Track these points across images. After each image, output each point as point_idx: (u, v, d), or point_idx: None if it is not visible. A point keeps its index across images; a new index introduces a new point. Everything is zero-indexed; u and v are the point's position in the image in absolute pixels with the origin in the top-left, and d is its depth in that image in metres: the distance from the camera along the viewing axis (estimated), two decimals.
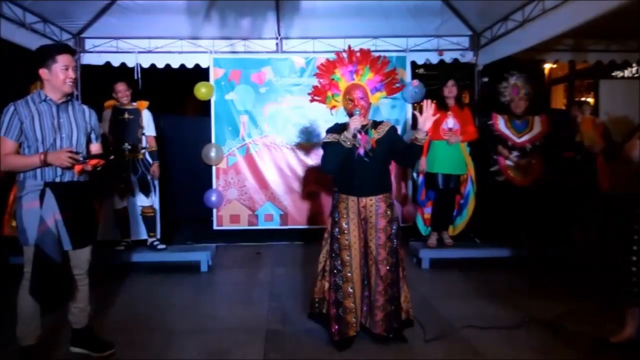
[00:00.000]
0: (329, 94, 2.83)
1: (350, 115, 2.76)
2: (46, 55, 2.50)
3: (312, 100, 2.93)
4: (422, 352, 2.81)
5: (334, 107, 2.86)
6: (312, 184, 5.59)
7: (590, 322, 3.14)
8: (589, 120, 4.85)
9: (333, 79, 2.81)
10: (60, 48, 2.57)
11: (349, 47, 2.86)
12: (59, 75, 2.49)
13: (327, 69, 2.83)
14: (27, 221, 2.47)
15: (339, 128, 2.83)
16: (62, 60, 2.49)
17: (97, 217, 2.84)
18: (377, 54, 2.84)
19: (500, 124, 4.63)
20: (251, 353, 2.80)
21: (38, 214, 2.45)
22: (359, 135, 2.70)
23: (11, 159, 2.46)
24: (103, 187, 4.42)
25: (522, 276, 4.19)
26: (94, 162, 2.50)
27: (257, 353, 2.79)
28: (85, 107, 2.73)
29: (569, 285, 3.93)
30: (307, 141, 5.58)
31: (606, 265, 3.79)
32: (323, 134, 3.07)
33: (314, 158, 5.59)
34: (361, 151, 2.73)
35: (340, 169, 2.78)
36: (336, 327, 2.79)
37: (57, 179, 2.50)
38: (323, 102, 2.88)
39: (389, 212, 2.82)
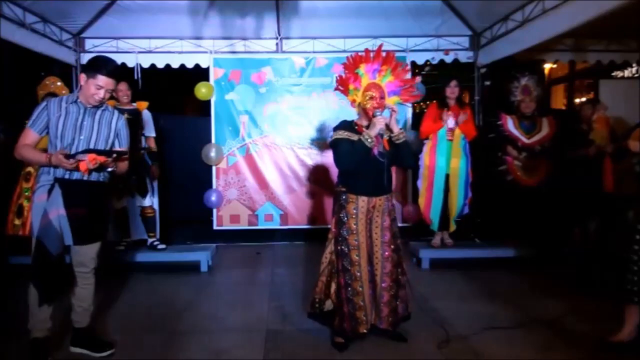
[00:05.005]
0: (351, 87, 2.83)
1: (365, 112, 2.78)
2: (92, 66, 2.59)
3: (336, 89, 2.97)
4: (421, 351, 2.81)
5: (354, 100, 2.86)
6: (312, 183, 5.60)
7: (590, 322, 3.14)
8: (603, 119, 4.72)
9: (357, 74, 2.81)
10: (105, 69, 2.58)
11: (380, 45, 2.87)
12: (90, 89, 2.58)
13: (353, 62, 2.83)
14: (35, 214, 2.57)
15: (347, 125, 2.85)
16: (101, 80, 2.57)
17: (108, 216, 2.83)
18: (399, 60, 2.87)
19: (509, 124, 4.65)
20: (251, 353, 2.80)
21: (44, 207, 2.51)
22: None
23: (26, 150, 2.56)
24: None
25: (522, 276, 4.19)
26: (92, 157, 2.48)
27: (257, 353, 2.79)
28: (116, 113, 2.77)
29: (569, 285, 3.93)
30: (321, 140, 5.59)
31: (606, 265, 3.80)
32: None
33: (315, 158, 5.60)
34: (376, 151, 2.76)
35: (354, 169, 2.79)
36: (348, 324, 2.79)
37: (67, 176, 2.57)
38: (345, 93, 2.89)
39: (392, 211, 2.92)
